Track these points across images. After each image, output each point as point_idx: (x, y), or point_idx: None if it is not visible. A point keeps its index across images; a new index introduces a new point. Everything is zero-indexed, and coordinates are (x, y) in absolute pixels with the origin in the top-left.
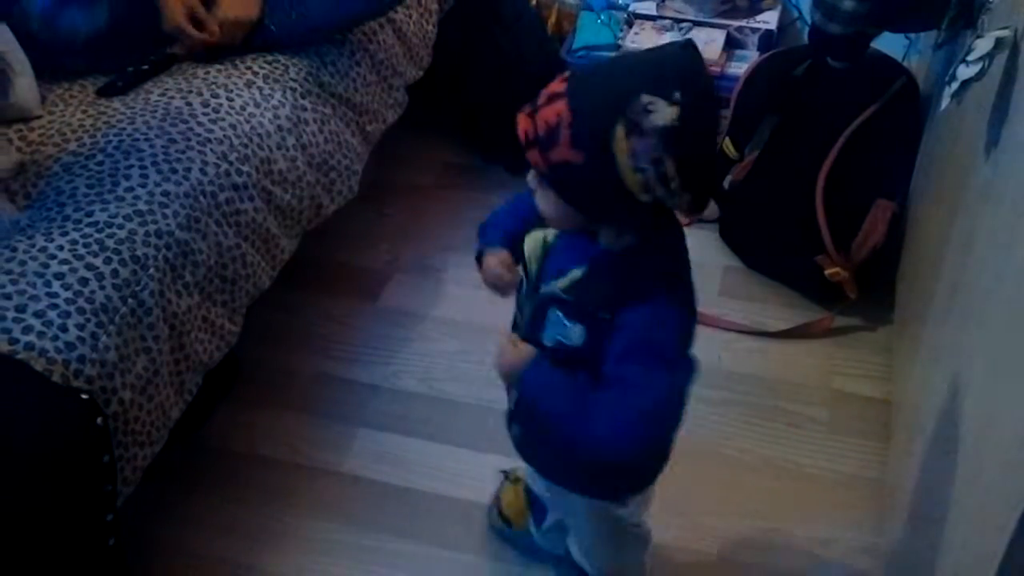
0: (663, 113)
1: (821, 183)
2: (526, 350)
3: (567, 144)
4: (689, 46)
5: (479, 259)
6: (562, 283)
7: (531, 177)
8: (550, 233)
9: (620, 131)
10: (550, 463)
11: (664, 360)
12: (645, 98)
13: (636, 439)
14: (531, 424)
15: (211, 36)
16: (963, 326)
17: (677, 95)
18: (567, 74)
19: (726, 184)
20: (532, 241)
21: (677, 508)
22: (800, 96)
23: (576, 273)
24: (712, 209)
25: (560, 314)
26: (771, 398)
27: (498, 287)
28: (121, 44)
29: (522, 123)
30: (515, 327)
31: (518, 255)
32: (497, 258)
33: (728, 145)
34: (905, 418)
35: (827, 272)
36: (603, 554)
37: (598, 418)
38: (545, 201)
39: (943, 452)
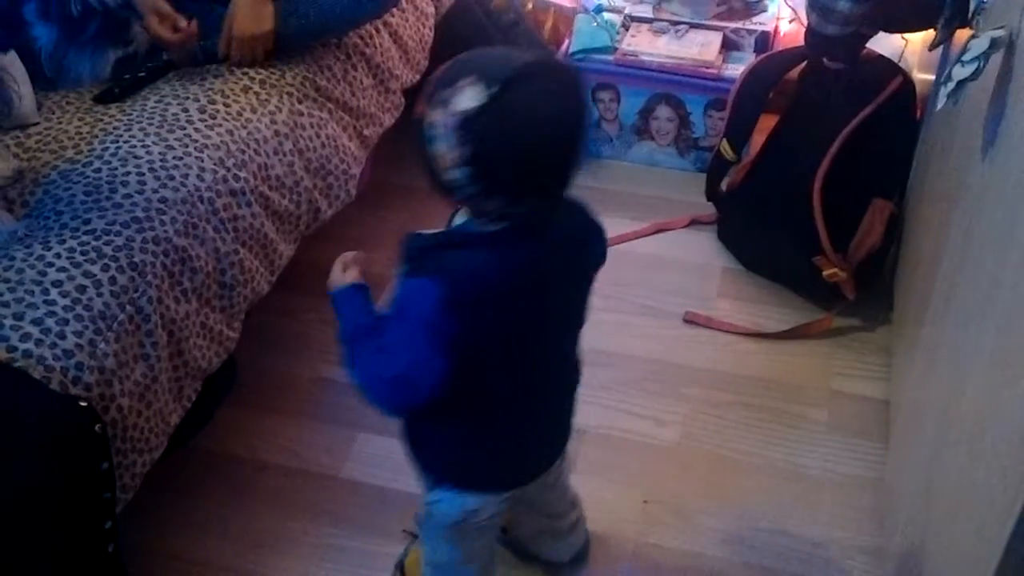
0: (468, 96)
1: (818, 184)
2: (355, 275)
3: (423, 99)
4: (566, 66)
5: None
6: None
7: None
8: None
9: (435, 100)
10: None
11: (402, 331)
12: (465, 79)
13: (372, 396)
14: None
15: (186, 33)
16: (961, 325)
17: (494, 87)
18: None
19: (724, 186)
20: None
21: (676, 509)
22: (797, 97)
23: (429, 232)
24: (710, 211)
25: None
26: (770, 399)
27: None
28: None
29: None
30: None
31: None
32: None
33: (725, 146)
34: (904, 418)
35: (825, 273)
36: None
37: (355, 357)
38: None
39: (942, 452)
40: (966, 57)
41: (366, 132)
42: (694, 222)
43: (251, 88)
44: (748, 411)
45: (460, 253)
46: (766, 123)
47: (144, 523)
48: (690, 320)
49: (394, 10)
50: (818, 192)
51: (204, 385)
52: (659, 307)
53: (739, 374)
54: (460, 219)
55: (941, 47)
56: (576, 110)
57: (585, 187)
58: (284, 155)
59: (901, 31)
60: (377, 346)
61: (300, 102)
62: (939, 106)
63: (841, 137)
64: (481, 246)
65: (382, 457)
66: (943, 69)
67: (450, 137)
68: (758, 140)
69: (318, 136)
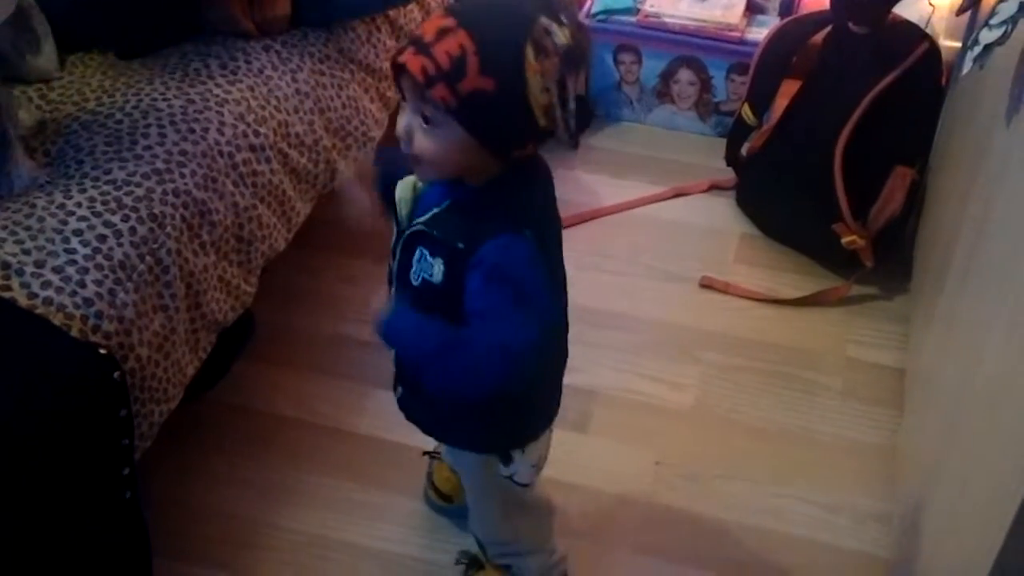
0: (562, 34)
1: (840, 150)
2: (386, 302)
3: (476, 72)
4: None
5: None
6: (425, 218)
7: (413, 121)
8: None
9: (530, 53)
10: (430, 417)
11: (520, 294)
12: (544, 20)
13: (494, 373)
14: (410, 378)
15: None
16: (980, 296)
17: (564, 18)
18: (445, 10)
19: (744, 151)
20: (404, 185)
21: (689, 473)
22: (820, 62)
23: (438, 208)
24: (730, 176)
25: (425, 250)
26: (785, 365)
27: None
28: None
29: (414, 62)
30: (390, 279)
31: (389, 200)
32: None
33: (747, 111)
34: (919, 387)
35: (844, 240)
36: (491, 521)
37: (459, 354)
38: (435, 141)
39: (956, 422)
40: (994, 21)
41: (388, 94)
42: (713, 187)
43: (272, 47)
44: (763, 377)
45: (521, 202)
46: (788, 88)
47: (162, 473)
48: (707, 285)
49: None
50: (839, 158)
51: (221, 338)
52: (676, 271)
53: (755, 340)
54: None
55: (968, 11)
56: None
57: (605, 149)
58: (304, 113)
59: None
60: (481, 329)
61: (322, 62)
62: (965, 70)
63: (864, 103)
64: (530, 188)
65: (397, 413)
66: (970, 34)
67: (560, 77)
68: (780, 105)
69: (339, 96)
